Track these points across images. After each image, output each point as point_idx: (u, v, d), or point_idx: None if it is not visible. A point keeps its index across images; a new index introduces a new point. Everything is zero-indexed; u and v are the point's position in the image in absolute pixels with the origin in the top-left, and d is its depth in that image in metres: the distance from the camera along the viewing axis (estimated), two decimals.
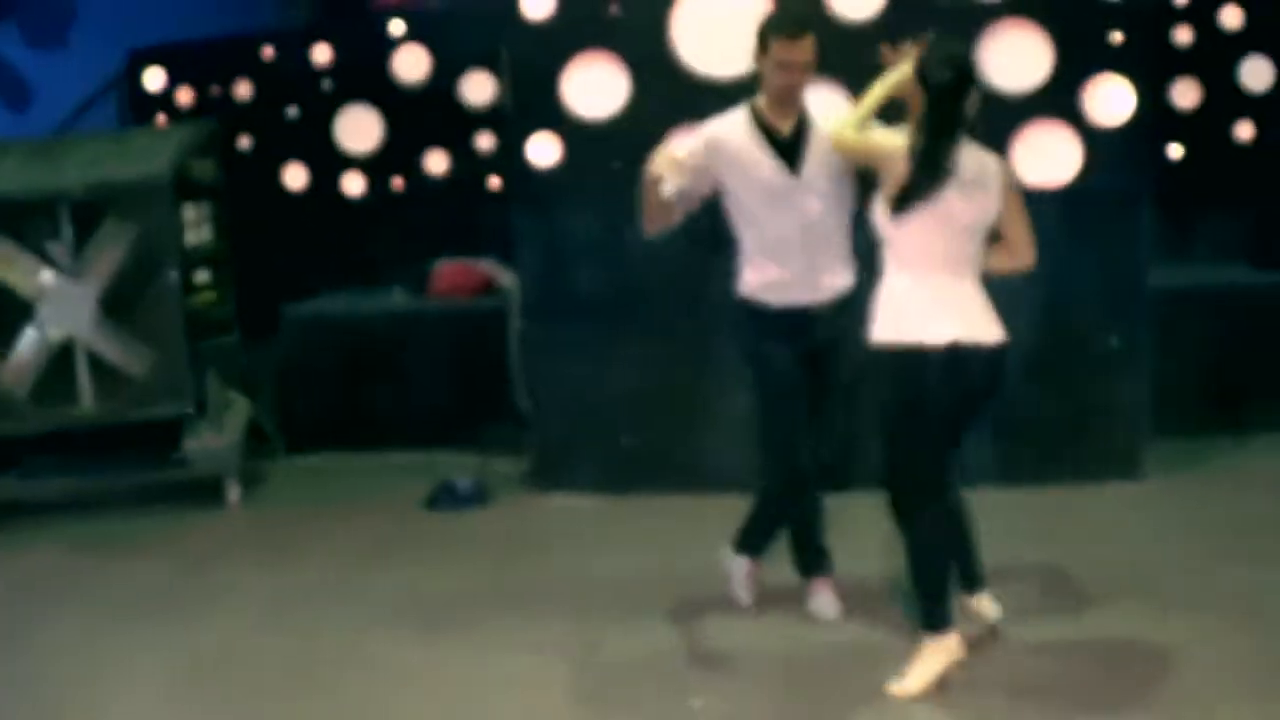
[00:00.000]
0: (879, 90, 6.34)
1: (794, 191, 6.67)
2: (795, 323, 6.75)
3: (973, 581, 6.67)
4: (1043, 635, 6.77)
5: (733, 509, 7.63)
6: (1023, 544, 7.82)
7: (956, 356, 6.02)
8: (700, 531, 8.22)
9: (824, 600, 7.15)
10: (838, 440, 7.04)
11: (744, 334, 6.98)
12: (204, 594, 8.20)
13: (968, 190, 6.10)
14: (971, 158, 6.16)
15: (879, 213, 6.21)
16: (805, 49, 6.59)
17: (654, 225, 6.72)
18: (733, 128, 6.79)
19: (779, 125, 6.73)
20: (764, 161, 6.69)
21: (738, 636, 7.03)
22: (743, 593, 7.24)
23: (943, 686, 6.17)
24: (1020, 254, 6.32)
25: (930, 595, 6.24)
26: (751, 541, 7.22)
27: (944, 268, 6.15)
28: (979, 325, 6.12)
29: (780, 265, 6.73)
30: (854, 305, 6.61)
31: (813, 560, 7.24)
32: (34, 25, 13.16)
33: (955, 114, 6.11)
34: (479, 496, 9.44)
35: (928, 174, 6.06)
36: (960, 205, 6.10)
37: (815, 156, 6.67)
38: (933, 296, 6.12)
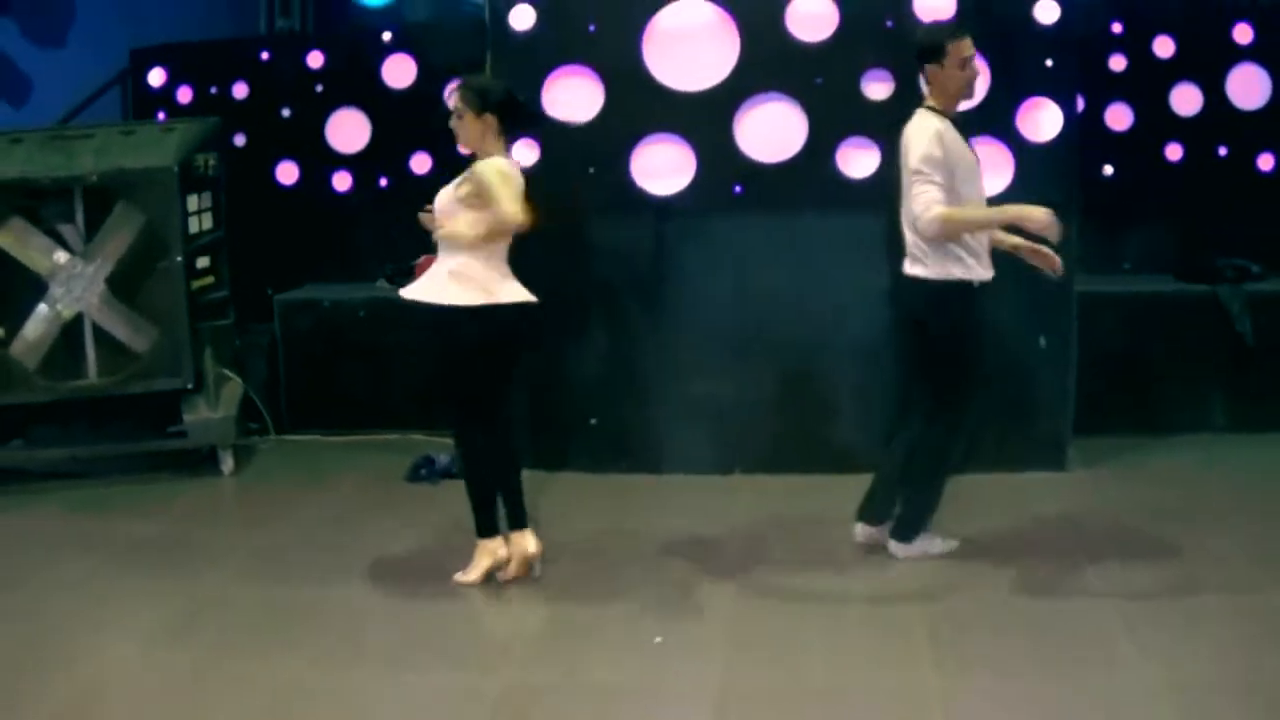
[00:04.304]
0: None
1: None
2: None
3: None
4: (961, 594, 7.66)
5: (685, 486, 8.99)
6: (951, 521, 8.48)
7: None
8: (655, 504, 9.29)
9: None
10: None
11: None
12: (193, 549, 8.75)
13: None
14: None
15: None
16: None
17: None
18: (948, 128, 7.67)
19: None
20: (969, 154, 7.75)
21: (694, 590, 7.78)
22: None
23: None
24: None
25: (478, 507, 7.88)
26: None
27: None
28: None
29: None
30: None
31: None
32: (33, 23, 13.67)
33: None
34: (457, 469, 9.82)
35: None
36: None
37: None
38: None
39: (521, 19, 9.77)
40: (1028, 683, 6.47)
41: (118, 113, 12.92)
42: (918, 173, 7.48)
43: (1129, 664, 6.62)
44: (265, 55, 12.37)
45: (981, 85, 8.93)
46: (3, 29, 13.59)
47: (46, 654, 7.12)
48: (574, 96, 9.78)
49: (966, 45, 7.67)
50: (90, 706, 6.57)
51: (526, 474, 9.82)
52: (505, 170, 7.55)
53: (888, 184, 8.19)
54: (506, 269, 7.69)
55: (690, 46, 9.62)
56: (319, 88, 12.18)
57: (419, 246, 11.42)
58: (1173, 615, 7.20)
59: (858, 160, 9.51)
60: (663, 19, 9.65)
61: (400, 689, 6.65)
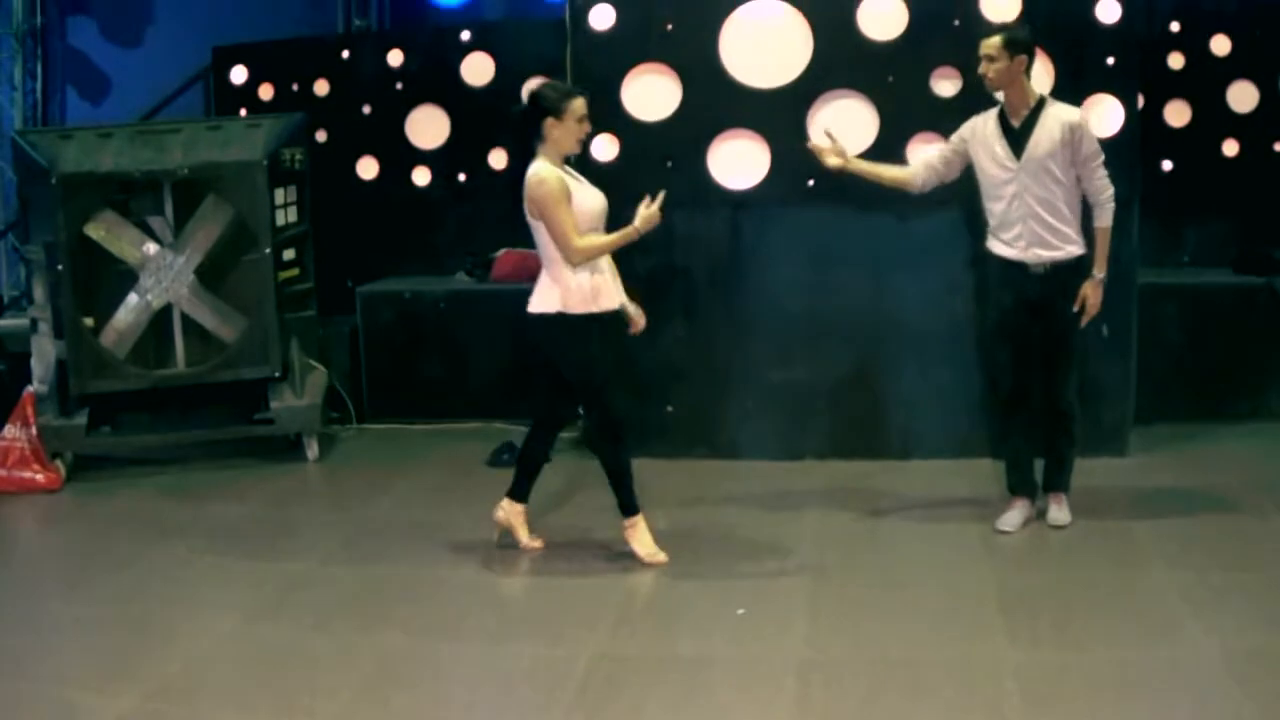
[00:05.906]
0: None
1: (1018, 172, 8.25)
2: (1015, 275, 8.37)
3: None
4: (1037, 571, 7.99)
5: (758, 471, 9.33)
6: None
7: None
8: (730, 487, 9.54)
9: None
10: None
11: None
12: (285, 531, 9.12)
13: None
14: None
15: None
16: (985, 47, 8.15)
17: None
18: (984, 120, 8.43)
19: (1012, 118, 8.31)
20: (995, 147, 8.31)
21: (772, 567, 8.10)
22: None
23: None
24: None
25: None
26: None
27: None
28: None
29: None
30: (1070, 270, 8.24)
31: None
32: (112, 22, 14.02)
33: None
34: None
35: None
36: None
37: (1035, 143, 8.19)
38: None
39: (601, 19, 10.07)
40: (1095, 655, 6.74)
41: (199, 110, 13.23)
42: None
43: (1191, 638, 6.89)
44: (346, 53, 12.63)
45: (1046, 82, 9.24)
46: (81, 28, 13.97)
47: (152, 630, 7.45)
48: (652, 93, 10.07)
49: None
50: (197, 677, 6.87)
51: None
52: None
53: (965, 179, 8.49)
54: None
55: (765, 44, 9.91)
56: (399, 85, 12.45)
57: (497, 239, 11.77)
58: (1232, 592, 7.48)
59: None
60: (738, 18, 9.95)
61: (495, 661, 6.97)
